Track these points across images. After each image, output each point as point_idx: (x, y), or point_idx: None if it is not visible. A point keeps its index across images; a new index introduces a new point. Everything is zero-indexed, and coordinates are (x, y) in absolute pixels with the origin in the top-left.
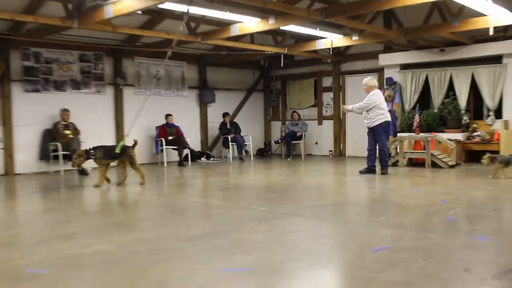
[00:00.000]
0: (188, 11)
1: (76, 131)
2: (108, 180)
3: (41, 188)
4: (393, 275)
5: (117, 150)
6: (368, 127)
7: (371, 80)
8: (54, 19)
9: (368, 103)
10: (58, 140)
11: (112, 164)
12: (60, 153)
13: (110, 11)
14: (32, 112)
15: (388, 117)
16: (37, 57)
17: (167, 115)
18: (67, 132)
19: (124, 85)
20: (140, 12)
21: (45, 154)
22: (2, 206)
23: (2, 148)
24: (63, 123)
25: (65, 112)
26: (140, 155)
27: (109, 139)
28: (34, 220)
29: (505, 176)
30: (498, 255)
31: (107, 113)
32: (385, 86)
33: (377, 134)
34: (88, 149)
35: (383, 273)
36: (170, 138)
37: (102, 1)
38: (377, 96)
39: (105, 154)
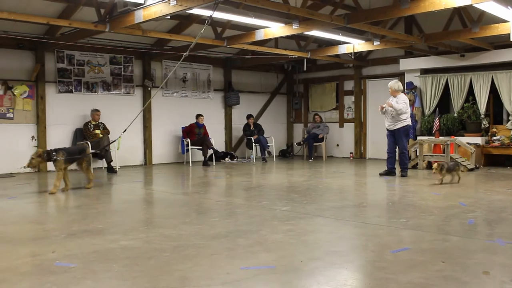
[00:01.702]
0: (211, 16)
1: (105, 131)
2: (67, 184)
3: (71, 185)
4: (412, 277)
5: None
6: (389, 130)
7: (396, 83)
8: (87, 23)
9: (405, 107)
10: (89, 139)
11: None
12: (90, 151)
13: (140, 16)
14: (65, 112)
15: (409, 121)
16: (70, 60)
17: (198, 115)
18: (97, 131)
19: (152, 87)
20: (168, 17)
21: None
22: (34, 201)
23: (36, 146)
24: (94, 122)
25: (95, 112)
26: (167, 154)
27: (137, 138)
28: (64, 215)
29: (451, 182)
30: None
31: (136, 114)
32: (405, 90)
33: (398, 137)
34: (50, 150)
35: (402, 274)
36: (196, 138)
37: (132, 7)
38: (406, 101)
39: (67, 157)
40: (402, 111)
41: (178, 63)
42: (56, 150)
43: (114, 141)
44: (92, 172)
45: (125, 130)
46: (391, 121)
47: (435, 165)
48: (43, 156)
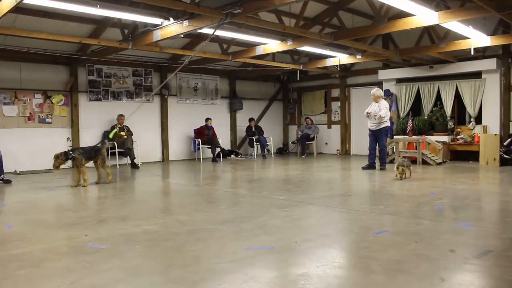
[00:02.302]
0: (213, 33)
1: (129, 133)
2: (78, 181)
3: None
4: (390, 255)
5: (110, 136)
6: (371, 130)
7: (377, 90)
8: (113, 42)
9: (386, 112)
10: (115, 140)
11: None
12: (117, 150)
13: (158, 35)
14: (95, 117)
15: (388, 123)
16: (99, 72)
17: (207, 119)
18: (122, 133)
19: (168, 95)
20: (182, 35)
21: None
22: (69, 193)
23: (71, 146)
24: (119, 126)
25: (120, 117)
26: (181, 152)
27: (156, 139)
28: (95, 204)
29: (409, 176)
30: (478, 238)
31: (154, 118)
32: (383, 97)
33: (379, 136)
34: (67, 150)
35: (382, 252)
36: (206, 138)
37: (151, 27)
38: (387, 106)
39: (83, 155)
40: (386, 116)
41: (177, 69)
42: (73, 150)
43: (111, 132)
44: (109, 167)
45: (121, 126)
46: (374, 123)
47: (399, 169)
48: (61, 157)
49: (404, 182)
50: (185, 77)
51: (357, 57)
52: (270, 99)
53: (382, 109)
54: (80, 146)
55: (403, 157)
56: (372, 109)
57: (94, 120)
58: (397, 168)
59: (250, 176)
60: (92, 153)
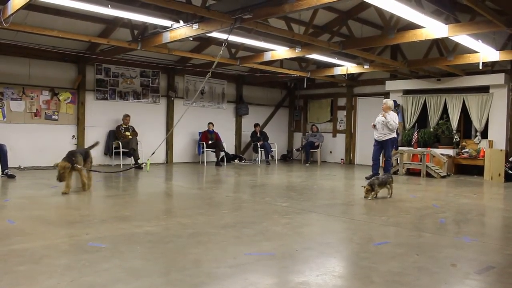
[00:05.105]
0: (227, 39)
1: (134, 133)
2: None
3: (104, 178)
4: (391, 266)
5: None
6: (377, 140)
7: (389, 101)
8: (122, 42)
9: (396, 124)
10: (120, 140)
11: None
12: (121, 150)
13: (167, 37)
14: (101, 116)
15: (395, 134)
16: (107, 72)
17: (209, 123)
18: (127, 133)
19: (175, 97)
20: (191, 38)
21: (109, 150)
22: (72, 190)
23: (75, 144)
24: (124, 126)
25: (126, 117)
26: (186, 155)
27: (160, 140)
28: (97, 203)
29: (390, 196)
30: (480, 254)
31: (160, 119)
32: (393, 109)
33: (385, 146)
34: (69, 158)
35: (382, 264)
36: (210, 142)
37: (161, 29)
38: (395, 117)
39: (81, 158)
40: (394, 128)
41: (204, 81)
42: (73, 154)
43: (143, 163)
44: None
45: (153, 153)
46: (381, 133)
47: (365, 189)
48: (67, 166)
49: (407, 194)
50: (192, 80)
51: (365, 66)
52: (276, 106)
53: (391, 120)
54: (85, 144)
55: (378, 175)
56: (377, 120)
57: (100, 119)
58: (364, 186)
59: (253, 181)
60: (84, 156)
